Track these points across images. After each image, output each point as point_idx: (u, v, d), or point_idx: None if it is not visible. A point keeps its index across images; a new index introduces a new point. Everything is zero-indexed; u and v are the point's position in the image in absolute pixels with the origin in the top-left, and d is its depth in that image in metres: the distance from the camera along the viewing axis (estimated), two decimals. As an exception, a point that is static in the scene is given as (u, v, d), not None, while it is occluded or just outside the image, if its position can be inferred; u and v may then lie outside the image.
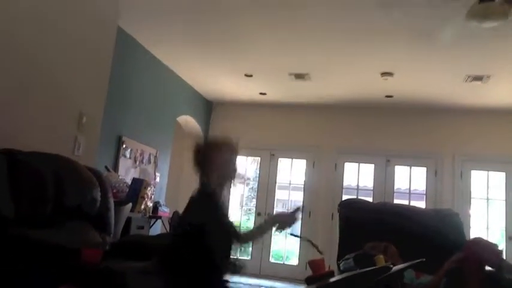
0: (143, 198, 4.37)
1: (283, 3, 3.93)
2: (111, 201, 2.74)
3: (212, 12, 4.21)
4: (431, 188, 6.67)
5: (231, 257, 2.03)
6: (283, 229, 2.19)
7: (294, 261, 7.05)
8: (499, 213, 6.45)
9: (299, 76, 5.80)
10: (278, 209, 7.66)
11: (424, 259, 1.67)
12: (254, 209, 7.34)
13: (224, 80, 6.32)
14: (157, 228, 5.38)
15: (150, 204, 4.68)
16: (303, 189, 7.17)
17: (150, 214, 4.76)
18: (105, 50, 3.44)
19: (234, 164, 2.11)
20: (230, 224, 2.09)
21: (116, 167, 4.84)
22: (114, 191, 3.80)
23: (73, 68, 3.04)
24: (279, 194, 7.42)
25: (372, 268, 1.56)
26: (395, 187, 6.84)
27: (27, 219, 2.02)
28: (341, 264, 2.58)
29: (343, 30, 4.38)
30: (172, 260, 1.83)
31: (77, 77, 3.09)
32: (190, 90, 6.73)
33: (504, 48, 4.44)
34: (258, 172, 7.45)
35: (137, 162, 5.32)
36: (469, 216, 6.36)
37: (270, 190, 7.19)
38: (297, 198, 7.42)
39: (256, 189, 7.45)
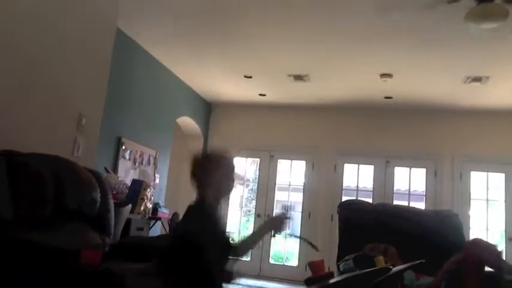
0: (143, 199, 4.36)
1: (282, 5, 3.94)
2: (111, 202, 2.74)
3: (212, 13, 4.21)
4: (430, 189, 6.67)
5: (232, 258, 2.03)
6: (279, 232, 2.18)
7: (293, 262, 7.05)
8: (499, 214, 6.45)
9: (298, 77, 5.80)
10: (278, 210, 7.66)
11: (424, 260, 1.67)
12: (254, 211, 7.33)
13: (223, 81, 6.33)
14: (157, 230, 5.38)
15: (149, 206, 4.68)
16: (302, 191, 7.17)
17: (150, 215, 4.76)
18: (105, 50, 3.44)
19: (232, 177, 2.11)
20: (225, 237, 2.09)
21: (115, 169, 4.83)
22: (114, 192, 3.79)
23: (73, 68, 3.04)
24: (279, 196, 7.42)
25: (372, 269, 1.56)
26: (395, 188, 6.84)
27: (27, 221, 2.02)
28: (341, 266, 2.58)
29: (342, 31, 4.38)
30: (171, 261, 1.83)
31: (77, 78, 3.09)
32: (190, 91, 6.73)
33: (503, 49, 4.45)
34: (258, 173, 7.45)
35: (137, 164, 5.31)
36: (469, 217, 6.36)
37: (269, 191, 7.18)
38: (296, 199, 7.42)
39: (256, 191, 7.45)
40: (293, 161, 7.35)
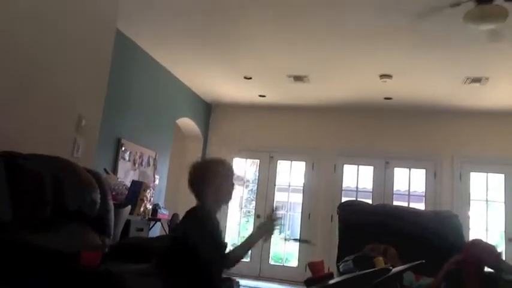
0: (142, 200, 4.36)
1: (282, 6, 3.94)
2: (111, 203, 2.74)
3: (211, 14, 4.22)
4: (430, 189, 6.67)
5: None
6: (271, 234, 2.18)
7: (293, 263, 7.05)
8: (498, 215, 6.45)
9: (298, 78, 5.80)
10: (277, 211, 7.65)
11: (424, 261, 1.67)
12: (253, 211, 7.33)
13: (223, 82, 6.33)
14: (157, 231, 5.38)
15: (149, 207, 4.68)
16: (302, 191, 7.17)
17: (149, 216, 4.76)
18: (105, 51, 3.44)
19: (231, 184, 2.11)
20: (222, 244, 2.09)
21: (115, 170, 4.83)
22: (114, 193, 3.79)
23: (72, 69, 3.04)
24: (279, 196, 7.42)
25: (371, 270, 1.56)
26: (395, 189, 6.85)
27: (27, 222, 2.02)
28: (340, 266, 2.58)
29: (342, 32, 4.39)
30: (171, 262, 1.83)
31: (77, 78, 3.09)
32: (189, 92, 6.73)
33: (502, 50, 4.45)
34: (257, 174, 7.45)
35: (136, 165, 5.31)
36: (468, 218, 6.36)
37: (269, 192, 7.18)
38: (296, 200, 7.43)
39: (256, 192, 7.45)
40: (293, 161, 7.35)
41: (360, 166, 7.03)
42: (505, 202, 6.41)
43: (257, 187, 7.36)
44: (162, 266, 1.86)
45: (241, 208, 7.75)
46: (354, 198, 6.37)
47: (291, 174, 7.38)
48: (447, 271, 2.22)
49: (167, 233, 5.31)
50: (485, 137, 6.48)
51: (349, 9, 3.90)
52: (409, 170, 6.88)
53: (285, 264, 7.11)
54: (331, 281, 1.59)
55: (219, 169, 2.09)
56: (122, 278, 1.79)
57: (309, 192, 7.04)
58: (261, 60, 5.37)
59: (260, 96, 6.76)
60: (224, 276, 2.07)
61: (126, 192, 4.29)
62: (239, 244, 2.21)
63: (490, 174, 6.62)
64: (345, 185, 6.98)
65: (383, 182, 6.81)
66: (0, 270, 1.72)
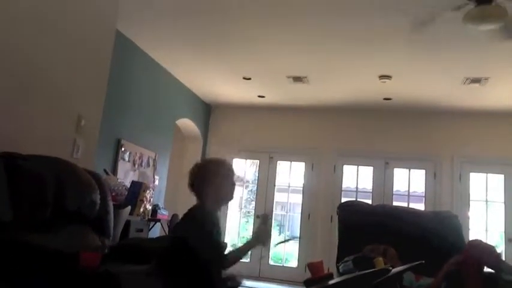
0: (142, 201, 4.37)
1: (282, 7, 3.94)
2: (110, 204, 2.73)
3: (211, 15, 4.22)
4: (430, 190, 6.68)
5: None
6: (267, 240, 2.22)
7: (293, 263, 7.05)
8: (498, 215, 6.45)
9: (297, 79, 5.81)
10: (277, 211, 7.67)
11: (423, 261, 1.67)
12: (253, 212, 7.33)
13: (223, 83, 6.33)
14: (156, 231, 5.38)
15: (149, 207, 4.68)
16: (302, 192, 7.17)
17: (149, 217, 4.76)
18: (104, 51, 3.43)
19: (232, 184, 2.12)
20: (221, 244, 2.10)
21: (114, 170, 4.84)
22: (113, 194, 3.79)
23: (72, 69, 3.04)
24: (278, 197, 7.43)
25: (371, 270, 1.56)
26: (395, 189, 6.85)
27: (27, 223, 2.02)
28: (340, 267, 2.58)
29: (341, 33, 4.39)
30: (171, 262, 1.84)
31: (76, 79, 3.09)
32: (189, 93, 6.74)
33: (502, 51, 4.46)
34: (257, 175, 7.45)
35: (136, 166, 5.31)
36: (468, 218, 6.37)
37: (269, 193, 7.19)
38: (296, 200, 7.43)
39: (255, 192, 7.45)
40: (292, 162, 7.36)
41: (359, 166, 7.04)
42: (504, 202, 6.42)
43: (257, 187, 7.37)
44: (162, 266, 1.86)
45: (241, 208, 7.75)
46: (354, 199, 6.38)
47: (291, 174, 7.38)
48: (447, 271, 2.22)
49: (167, 233, 5.31)
50: (485, 138, 6.48)
51: (348, 10, 3.90)
52: (409, 171, 6.88)
53: (284, 265, 7.11)
54: (331, 282, 1.58)
55: (219, 169, 2.10)
56: (121, 279, 1.79)
57: (309, 192, 7.04)
58: (261, 61, 5.37)
59: (259, 96, 6.76)
60: (225, 276, 2.07)
61: (126, 192, 4.29)
62: (237, 248, 2.22)
63: (489, 175, 6.63)
64: (344, 185, 6.99)
65: (383, 182, 6.82)
66: (0, 270, 1.71)
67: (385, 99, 6.33)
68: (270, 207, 7.15)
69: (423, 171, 6.79)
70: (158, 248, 2.20)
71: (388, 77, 5.42)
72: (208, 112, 7.49)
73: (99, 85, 3.39)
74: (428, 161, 6.72)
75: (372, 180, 6.93)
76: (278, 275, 6.78)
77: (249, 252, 2.45)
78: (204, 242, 1.88)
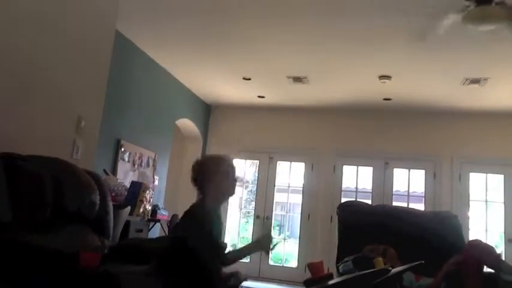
0: (142, 201, 4.36)
1: (282, 7, 3.94)
2: (110, 204, 2.73)
3: (211, 15, 4.22)
4: (430, 190, 6.68)
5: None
6: (270, 246, 2.25)
7: (293, 263, 7.05)
8: (498, 215, 6.46)
9: (297, 79, 5.81)
10: (277, 211, 7.67)
11: (423, 261, 1.67)
12: (253, 212, 7.33)
13: (222, 83, 6.33)
14: (156, 232, 5.38)
15: (148, 208, 4.68)
16: (301, 192, 7.17)
17: (149, 217, 4.76)
18: (104, 51, 3.43)
19: (233, 179, 2.13)
20: (220, 243, 2.11)
21: (114, 171, 4.83)
22: (113, 194, 3.79)
23: (72, 69, 3.04)
24: (278, 197, 7.43)
25: (371, 270, 1.56)
26: (394, 189, 6.85)
27: (26, 223, 2.02)
28: (340, 267, 2.58)
29: (341, 33, 4.39)
30: (171, 262, 1.84)
31: (76, 79, 3.09)
32: (189, 93, 6.74)
33: (501, 51, 4.46)
34: (257, 175, 7.45)
35: (136, 166, 5.31)
36: (468, 218, 6.37)
37: (268, 193, 7.19)
38: (296, 201, 7.43)
39: (255, 192, 7.45)
40: (292, 162, 7.36)
41: (359, 167, 7.04)
42: (504, 203, 6.42)
43: (256, 188, 7.37)
44: (162, 266, 1.86)
45: (241, 209, 7.75)
46: (354, 199, 6.38)
47: (291, 175, 7.38)
48: (447, 271, 2.22)
49: (167, 233, 5.31)
50: (485, 138, 6.48)
51: (348, 10, 3.90)
52: (409, 171, 6.88)
53: (284, 265, 7.11)
54: (331, 282, 1.59)
55: (219, 166, 2.11)
56: (121, 279, 1.79)
57: (309, 193, 7.04)
58: (261, 61, 5.37)
59: (259, 97, 6.76)
60: (225, 275, 2.08)
61: (126, 193, 4.29)
62: (237, 249, 2.24)
63: (489, 175, 6.63)
64: (344, 185, 6.99)
65: (382, 182, 6.82)
66: (0, 270, 1.71)
67: (384, 99, 6.34)
68: (270, 208, 7.15)
69: (423, 172, 6.80)
70: (158, 248, 2.20)
71: (388, 77, 5.43)
72: (208, 112, 7.49)
73: (99, 85, 3.39)
74: (428, 161, 6.72)
75: (371, 180, 6.94)
76: (278, 275, 6.78)
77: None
78: (204, 241, 1.89)
